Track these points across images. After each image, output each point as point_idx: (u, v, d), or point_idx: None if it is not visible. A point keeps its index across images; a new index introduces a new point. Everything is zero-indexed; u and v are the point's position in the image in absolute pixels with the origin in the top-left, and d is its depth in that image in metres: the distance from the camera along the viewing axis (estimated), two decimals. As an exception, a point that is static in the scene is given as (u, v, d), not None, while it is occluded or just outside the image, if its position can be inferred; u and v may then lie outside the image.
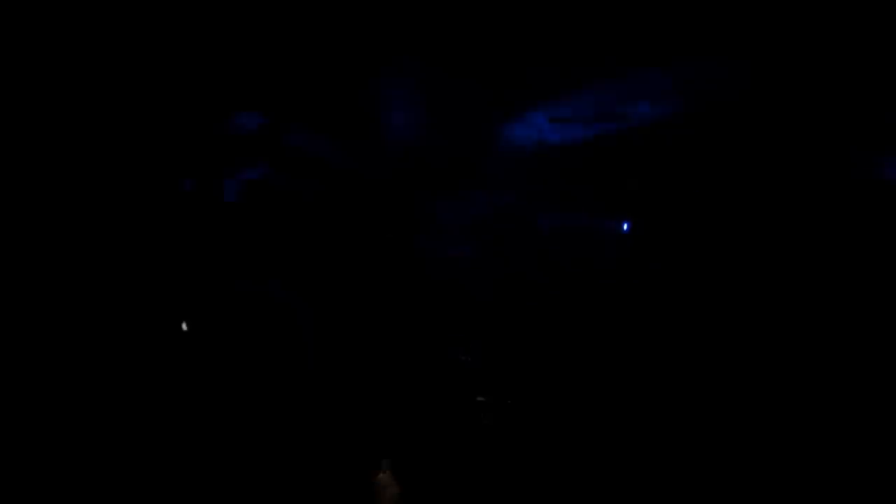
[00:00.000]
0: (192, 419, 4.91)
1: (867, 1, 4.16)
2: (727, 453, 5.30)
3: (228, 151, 5.15)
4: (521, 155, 5.35)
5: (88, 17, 4.48)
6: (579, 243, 6.06)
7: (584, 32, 4.55)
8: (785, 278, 5.42)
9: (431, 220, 5.73)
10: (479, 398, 5.90)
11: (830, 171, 5.19)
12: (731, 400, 5.48)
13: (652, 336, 5.96)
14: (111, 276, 4.75)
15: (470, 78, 4.78)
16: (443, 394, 5.72)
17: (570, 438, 5.85)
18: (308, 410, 5.34)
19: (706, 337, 5.71)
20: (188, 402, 4.95)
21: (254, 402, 5.14)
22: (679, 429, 5.61)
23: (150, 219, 4.92)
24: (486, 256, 5.94)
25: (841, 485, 4.85)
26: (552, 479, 5.63)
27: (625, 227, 6.79)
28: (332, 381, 5.35)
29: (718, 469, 5.26)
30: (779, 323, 5.38)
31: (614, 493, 5.52)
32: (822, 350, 5.24)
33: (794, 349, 5.30)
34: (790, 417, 5.22)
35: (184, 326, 5.06)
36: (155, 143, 4.82)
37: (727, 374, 5.57)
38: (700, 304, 5.77)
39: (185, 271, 5.07)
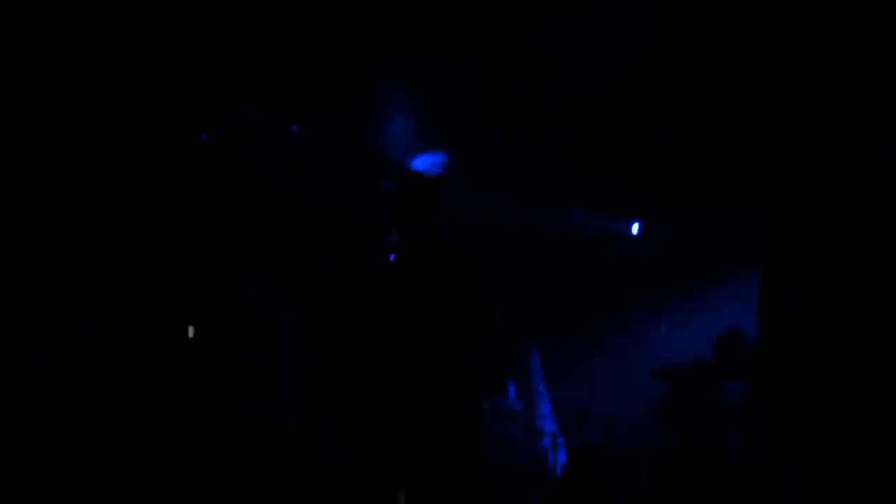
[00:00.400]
0: (193, 424, 4.92)
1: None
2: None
3: (227, 150, 5.18)
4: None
5: (87, 15, 4.53)
6: (583, 244, 6.05)
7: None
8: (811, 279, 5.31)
9: (431, 220, 5.72)
10: (484, 399, 5.87)
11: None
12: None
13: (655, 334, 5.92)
14: (106, 276, 4.78)
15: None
16: (446, 397, 5.69)
17: (574, 441, 5.81)
18: (311, 416, 5.33)
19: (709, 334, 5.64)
20: (189, 406, 4.96)
21: (254, 406, 5.14)
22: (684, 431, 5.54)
23: (146, 218, 4.94)
24: (485, 256, 5.93)
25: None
26: (555, 482, 5.59)
27: (635, 228, 6.72)
28: (334, 384, 5.34)
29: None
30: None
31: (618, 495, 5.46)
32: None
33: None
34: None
35: (189, 331, 5.06)
36: (152, 142, 4.85)
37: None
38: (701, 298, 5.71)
39: (182, 272, 5.09)
